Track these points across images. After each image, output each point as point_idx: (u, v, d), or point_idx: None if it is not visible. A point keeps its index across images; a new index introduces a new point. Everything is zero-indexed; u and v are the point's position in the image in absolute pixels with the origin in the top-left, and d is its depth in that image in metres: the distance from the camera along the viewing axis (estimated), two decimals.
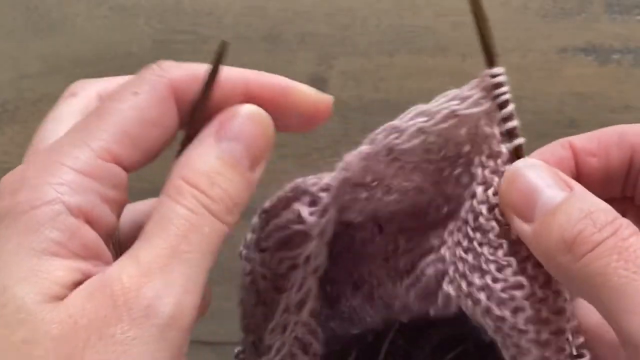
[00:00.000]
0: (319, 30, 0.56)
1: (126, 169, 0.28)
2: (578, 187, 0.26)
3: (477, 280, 0.26)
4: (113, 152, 0.27)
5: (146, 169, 0.52)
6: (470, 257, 0.27)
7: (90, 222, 0.26)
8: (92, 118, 0.28)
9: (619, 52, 0.52)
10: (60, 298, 0.24)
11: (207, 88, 0.28)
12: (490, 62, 0.28)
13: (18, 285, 0.23)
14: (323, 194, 0.30)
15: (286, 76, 0.33)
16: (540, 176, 0.27)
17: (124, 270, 0.24)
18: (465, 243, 0.27)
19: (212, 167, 0.27)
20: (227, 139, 0.28)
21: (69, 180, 0.25)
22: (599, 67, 0.53)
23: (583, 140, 0.31)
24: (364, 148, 0.29)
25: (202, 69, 0.29)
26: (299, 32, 0.56)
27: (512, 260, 0.26)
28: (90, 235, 0.26)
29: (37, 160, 0.27)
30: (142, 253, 0.25)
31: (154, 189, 0.58)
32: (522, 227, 0.26)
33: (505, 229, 0.27)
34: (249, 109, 0.28)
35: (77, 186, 0.25)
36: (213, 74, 0.28)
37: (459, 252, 0.27)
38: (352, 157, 0.29)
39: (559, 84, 0.53)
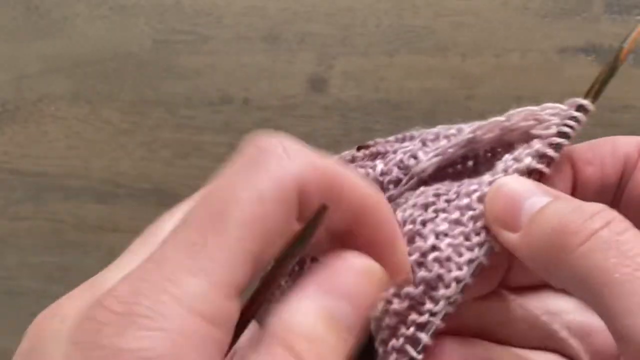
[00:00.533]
0: (319, 30, 0.56)
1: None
2: (563, 194, 0.26)
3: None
4: (237, 284, 0.21)
5: (146, 169, 0.52)
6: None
7: None
8: (209, 230, 0.21)
9: None
10: None
11: (298, 248, 0.23)
12: (593, 97, 0.29)
13: None
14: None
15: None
16: (524, 185, 0.26)
17: None
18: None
19: (312, 329, 0.22)
20: (335, 296, 0.22)
21: (188, 328, 0.20)
22: (599, 67, 0.52)
23: (580, 150, 0.30)
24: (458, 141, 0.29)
25: (324, 161, 0.23)
26: (299, 32, 0.56)
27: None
28: None
29: (145, 287, 0.20)
30: None
31: (155, 189, 0.58)
32: (509, 237, 0.25)
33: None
34: (365, 264, 0.23)
35: (197, 339, 0.20)
36: (308, 235, 0.23)
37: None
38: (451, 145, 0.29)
39: (558, 83, 0.53)
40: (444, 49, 0.54)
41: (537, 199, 0.25)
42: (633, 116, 0.51)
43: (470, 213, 0.26)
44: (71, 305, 0.21)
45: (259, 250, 0.21)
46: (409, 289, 0.25)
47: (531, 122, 0.29)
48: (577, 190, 0.28)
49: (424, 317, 0.25)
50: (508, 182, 0.27)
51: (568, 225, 0.23)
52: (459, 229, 0.26)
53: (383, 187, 0.29)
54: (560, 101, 0.52)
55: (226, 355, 0.21)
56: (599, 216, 0.23)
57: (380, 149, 0.30)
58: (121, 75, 0.58)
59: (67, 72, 0.58)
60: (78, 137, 0.58)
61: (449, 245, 0.26)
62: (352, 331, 0.23)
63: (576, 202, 0.25)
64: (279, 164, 0.22)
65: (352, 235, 0.24)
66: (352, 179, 0.24)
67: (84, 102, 0.58)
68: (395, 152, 0.29)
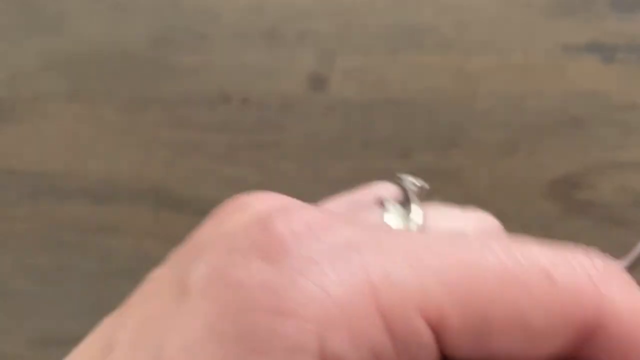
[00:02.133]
0: (320, 27, 0.55)
1: (441, 349, 0.16)
2: None
3: None
4: (445, 318, 0.15)
5: (144, 168, 0.52)
6: None
7: None
8: (463, 247, 0.16)
9: (624, 50, 0.52)
10: None
11: None
12: None
13: None
14: None
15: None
16: None
17: None
18: None
19: None
20: None
21: (356, 306, 0.15)
22: (604, 65, 0.52)
23: None
24: None
25: None
26: (299, 30, 0.55)
27: None
28: None
29: (338, 229, 0.16)
30: None
31: (153, 189, 0.58)
32: None
33: None
34: None
35: (358, 325, 0.15)
36: None
37: None
38: None
39: (562, 82, 0.52)
40: (447, 47, 0.53)
41: None
42: (638, 114, 0.51)
43: None
44: (260, 207, 0.17)
45: (493, 315, 0.15)
46: None
47: None
48: None
49: None
50: None
51: None
52: None
53: None
54: (564, 99, 0.52)
55: None
56: None
57: None
58: (119, 74, 0.57)
59: (64, 70, 0.57)
60: (75, 136, 0.58)
61: None
62: None
63: None
64: (592, 273, 0.16)
65: None
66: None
67: (81, 100, 0.57)
68: None
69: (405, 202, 0.21)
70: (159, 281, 0.18)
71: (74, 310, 0.59)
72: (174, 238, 0.26)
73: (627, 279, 0.16)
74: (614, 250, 0.29)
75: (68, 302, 0.60)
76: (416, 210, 0.21)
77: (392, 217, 0.22)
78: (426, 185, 0.22)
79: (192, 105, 0.56)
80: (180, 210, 0.56)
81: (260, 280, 0.15)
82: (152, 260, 0.22)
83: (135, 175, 0.58)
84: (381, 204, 0.21)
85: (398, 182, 0.22)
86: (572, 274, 0.16)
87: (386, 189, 0.23)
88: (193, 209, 0.56)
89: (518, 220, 0.27)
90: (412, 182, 0.22)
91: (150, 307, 0.17)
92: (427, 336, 0.15)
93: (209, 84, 0.56)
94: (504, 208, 0.26)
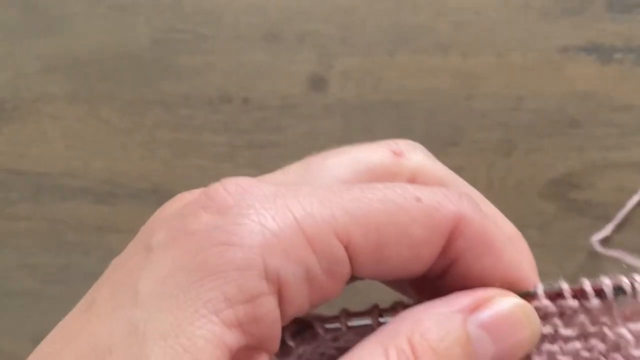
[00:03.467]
0: (319, 29, 0.56)
1: (352, 265, 0.21)
2: None
3: None
4: (352, 240, 0.21)
5: (145, 168, 0.52)
6: None
7: (280, 296, 0.20)
8: (356, 188, 0.22)
9: (621, 51, 0.52)
10: None
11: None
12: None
13: (154, 343, 0.18)
14: None
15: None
16: None
17: None
18: None
19: (449, 351, 0.21)
20: (480, 326, 0.21)
21: (286, 234, 0.20)
22: (601, 66, 0.52)
23: None
24: None
25: (493, 232, 0.23)
26: (299, 32, 0.56)
27: None
28: (271, 313, 0.20)
29: (267, 186, 0.21)
30: None
31: (154, 189, 0.58)
32: None
33: None
34: (519, 302, 0.22)
35: (291, 247, 0.20)
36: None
37: None
38: None
39: (560, 83, 0.52)
40: (445, 48, 0.54)
41: None
42: (635, 115, 0.51)
43: None
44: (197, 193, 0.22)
45: (386, 237, 0.21)
46: None
47: None
48: None
49: None
50: None
51: None
52: None
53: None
54: (562, 100, 0.52)
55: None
56: None
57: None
58: (120, 75, 0.57)
59: (66, 72, 0.58)
60: (76, 137, 0.58)
61: None
62: None
63: None
64: (447, 194, 0.22)
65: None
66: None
67: (82, 101, 0.58)
68: None
69: None
70: (126, 255, 0.22)
71: None
72: None
73: (473, 199, 0.23)
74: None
75: (70, 301, 0.60)
76: None
77: None
78: None
79: (192, 106, 0.57)
80: None
81: (211, 226, 0.20)
82: None
83: (137, 175, 0.58)
84: None
85: None
86: (435, 196, 0.22)
87: None
88: None
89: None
90: None
91: (122, 270, 0.21)
92: (341, 252, 0.21)
93: (209, 85, 0.56)
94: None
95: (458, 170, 0.27)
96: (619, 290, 0.23)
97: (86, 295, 0.21)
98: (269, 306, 0.20)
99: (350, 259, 0.21)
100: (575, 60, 0.52)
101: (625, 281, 0.23)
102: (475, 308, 0.21)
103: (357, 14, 0.55)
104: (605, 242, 0.48)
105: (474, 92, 0.53)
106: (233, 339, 0.19)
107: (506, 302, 0.22)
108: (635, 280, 0.23)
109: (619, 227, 0.49)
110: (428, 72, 0.54)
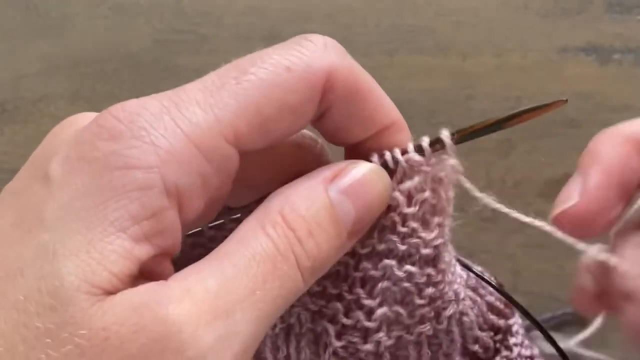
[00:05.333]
0: (319, 30, 0.56)
1: (240, 154, 0.23)
2: None
3: None
4: (238, 132, 0.22)
5: None
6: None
7: (180, 207, 0.21)
8: (230, 77, 0.23)
9: (620, 51, 0.52)
10: (105, 292, 0.20)
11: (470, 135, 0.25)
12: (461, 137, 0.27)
13: (65, 259, 0.20)
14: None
15: None
16: None
17: (187, 298, 0.20)
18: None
19: (316, 216, 0.23)
20: (340, 192, 0.24)
21: (178, 149, 0.21)
22: (600, 66, 0.52)
23: None
24: None
25: (361, 77, 0.25)
26: (299, 32, 0.56)
27: None
28: (173, 223, 0.21)
29: (152, 105, 0.22)
30: (211, 282, 0.21)
31: None
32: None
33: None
34: (370, 167, 0.24)
35: (184, 160, 0.21)
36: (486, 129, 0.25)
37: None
38: None
39: (559, 83, 0.52)
40: (444, 49, 0.54)
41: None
42: (633, 116, 0.51)
43: None
44: (88, 118, 0.23)
45: (269, 117, 0.22)
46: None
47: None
48: None
49: None
50: None
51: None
52: None
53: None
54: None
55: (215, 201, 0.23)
56: None
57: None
58: (121, 75, 0.57)
59: (67, 72, 0.58)
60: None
61: None
62: (348, 228, 0.24)
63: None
64: (314, 50, 0.24)
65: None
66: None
67: (83, 101, 0.58)
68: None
69: None
70: (22, 183, 0.22)
71: None
72: None
73: (339, 46, 0.25)
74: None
75: None
76: None
77: None
78: None
79: None
80: None
81: (108, 152, 0.21)
82: None
83: None
84: None
85: None
86: (303, 58, 0.23)
87: None
88: None
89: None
90: None
91: (22, 199, 0.21)
92: (230, 150, 0.22)
93: None
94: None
95: None
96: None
97: None
98: (171, 218, 0.21)
99: (239, 148, 0.22)
100: (574, 61, 0.52)
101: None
102: (334, 177, 0.24)
103: (357, 14, 0.55)
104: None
105: (474, 92, 0.53)
106: (141, 251, 0.21)
107: (359, 168, 0.24)
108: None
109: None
110: (428, 72, 0.54)
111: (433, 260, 0.26)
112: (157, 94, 0.22)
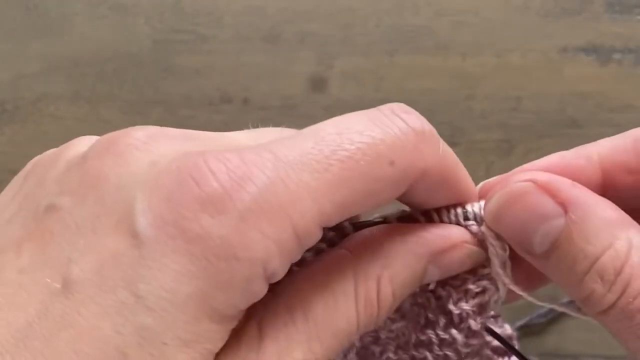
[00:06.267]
0: (319, 30, 0.56)
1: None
2: (572, 206, 0.23)
3: None
4: (331, 219, 0.21)
5: None
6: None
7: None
8: (332, 159, 0.21)
9: (620, 51, 0.52)
10: None
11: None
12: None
13: (180, 350, 0.19)
14: None
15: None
16: (535, 202, 0.24)
17: None
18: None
19: (403, 294, 0.23)
20: (438, 266, 0.24)
21: (284, 240, 0.20)
22: (600, 66, 0.52)
23: (618, 153, 0.25)
24: None
25: (452, 169, 0.24)
26: (299, 32, 0.56)
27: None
28: (260, 296, 0.21)
29: (260, 178, 0.20)
30: (297, 353, 0.21)
31: None
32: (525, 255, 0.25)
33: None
34: (473, 251, 0.24)
35: (285, 251, 0.20)
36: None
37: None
38: None
39: (559, 83, 0.52)
40: (444, 49, 0.54)
41: (548, 225, 0.23)
42: (634, 116, 0.51)
43: None
44: (162, 146, 0.21)
45: (353, 202, 0.21)
46: None
47: None
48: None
49: None
50: (519, 197, 0.24)
51: (589, 295, 0.22)
52: None
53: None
54: (561, 101, 0.52)
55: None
56: (617, 284, 0.22)
57: None
58: (121, 75, 0.57)
59: (67, 72, 0.58)
60: (77, 137, 0.58)
61: None
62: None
63: (585, 238, 0.22)
64: (415, 142, 0.22)
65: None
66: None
67: (83, 101, 0.58)
68: None
69: None
70: (83, 208, 0.20)
71: None
72: None
73: (437, 136, 0.23)
74: None
75: None
76: None
77: None
78: None
79: (193, 106, 0.57)
80: None
81: (214, 234, 0.19)
82: None
83: None
84: None
85: None
86: (406, 155, 0.22)
87: None
88: None
89: None
90: None
91: (99, 246, 0.19)
92: (320, 234, 0.21)
93: (210, 85, 0.56)
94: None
95: None
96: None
97: (49, 258, 0.20)
98: (261, 293, 0.21)
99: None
100: (575, 61, 0.53)
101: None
102: (441, 253, 0.24)
103: (357, 14, 0.55)
104: None
105: (474, 92, 0.53)
106: (231, 328, 0.21)
107: (466, 250, 0.24)
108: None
109: None
110: (427, 72, 0.54)
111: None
112: (256, 153, 0.21)
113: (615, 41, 0.52)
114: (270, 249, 0.20)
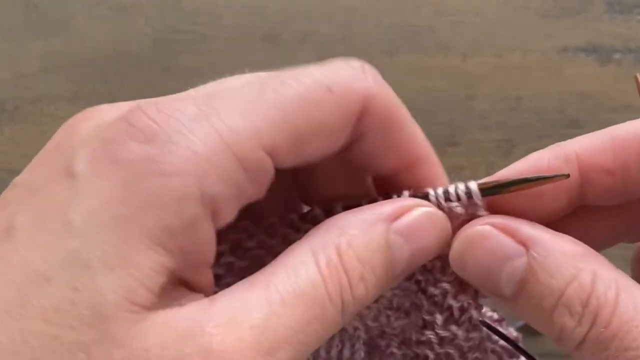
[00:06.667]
0: (319, 29, 0.56)
1: (275, 165, 0.22)
2: (533, 244, 0.23)
3: None
4: (275, 145, 0.21)
5: None
6: None
7: (214, 217, 0.20)
8: (268, 88, 0.22)
9: (620, 51, 0.52)
10: (144, 308, 0.19)
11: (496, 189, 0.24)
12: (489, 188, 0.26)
13: (103, 274, 0.19)
14: None
15: None
16: (495, 246, 0.23)
17: (231, 330, 0.20)
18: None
19: (371, 259, 0.22)
20: (400, 233, 0.23)
21: (217, 157, 0.20)
22: (600, 66, 0.52)
23: (593, 153, 0.25)
24: None
25: (397, 107, 0.24)
26: (299, 32, 0.56)
27: None
28: (208, 234, 0.20)
29: (189, 108, 0.21)
30: (257, 315, 0.20)
31: None
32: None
33: None
34: (434, 212, 0.24)
35: (222, 169, 0.20)
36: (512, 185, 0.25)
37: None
38: None
39: (559, 83, 0.52)
40: (445, 49, 0.54)
41: (511, 266, 0.23)
42: (634, 116, 0.51)
43: None
44: (110, 113, 0.21)
45: (307, 136, 0.22)
46: None
47: None
48: (590, 202, 0.24)
49: None
50: (480, 243, 0.24)
51: (560, 331, 0.22)
52: None
53: None
54: (561, 100, 0.52)
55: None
56: (586, 316, 0.22)
57: None
58: (120, 75, 0.57)
59: (66, 72, 0.58)
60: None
61: None
62: (398, 272, 0.23)
63: (549, 275, 0.22)
64: (354, 74, 0.23)
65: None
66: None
67: (83, 101, 0.58)
68: None
69: None
70: (35, 178, 0.21)
71: None
72: None
73: (377, 74, 0.24)
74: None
75: None
76: None
77: None
78: None
79: None
80: None
81: (142, 155, 0.19)
82: None
83: None
84: None
85: None
86: (344, 80, 0.22)
87: None
88: None
89: None
90: None
91: (43, 196, 0.20)
92: (267, 161, 0.21)
93: None
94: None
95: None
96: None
97: None
98: (206, 229, 0.20)
99: (274, 162, 0.22)
100: (575, 61, 0.53)
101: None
102: (396, 217, 0.23)
103: (357, 14, 0.55)
104: None
105: (474, 92, 0.53)
106: (175, 264, 0.20)
107: (424, 211, 0.23)
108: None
109: None
110: (428, 72, 0.54)
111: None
112: (190, 95, 0.21)
113: (615, 41, 0.52)
114: (202, 166, 0.20)
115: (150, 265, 0.19)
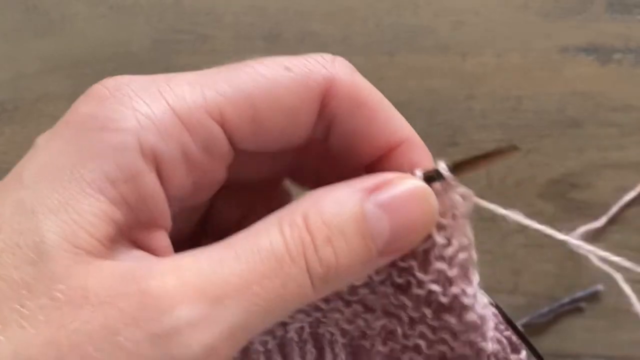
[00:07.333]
0: (319, 29, 0.56)
1: (232, 141, 0.22)
2: None
3: None
4: (225, 114, 0.22)
5: None
6: None
7: (160, 174, 0.21)
8: (225, 69, 0.23)
9: (620, 51, 0.52)
10: (89, 254, 0.20)
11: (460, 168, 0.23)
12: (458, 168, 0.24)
13: (45, 217, 0.20)
14: None
15: None
16: None
17: (173, 274, 0.20)
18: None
19: (341, 224, 0.21)
20: (378, 205, 0.22)
21: (159, 116, 0.21)
22: (600, 66, 0.52)
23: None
24: None
25: (366, 91, 0.24)
26: (299, 32, 0.56)
27: None
28: (153, 190, 0.21)
29: (143, 78, 0.23)
30: (205, 264, 0.20)
31: None
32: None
33: None
34: (419, 184, 0.23)
35: (163, 127, 0.21)
36: (480, 161, 0.24)
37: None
38: None
39: (559, 83, 0.52)
40: (445, 49, 0.54)
41: None
42: (634, 116, 0.51)
43: None
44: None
45: (261, 109, 0.22)
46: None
47: None
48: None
49: None
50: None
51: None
52: None
53: None
54: (562, 101, 0.52)
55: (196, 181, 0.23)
56: None
57: None
58: (120, 75, 0.57)
59: (66, 72, 0.58)
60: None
61: None
62: (380, 246, 0.22)
63: None
64: (318, 61, 0.23)
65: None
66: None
67: None
68: None
69: None
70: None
71: None
72: None
73: (348, 64, 0.24)
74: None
75: None
76: None
77: None
78: None
79: None
80: None
81: (88, 115, 0.22)
82: None
83: None
84: None
85: None
86: (306, 64, 0.23)
87: None
88: None
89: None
90: None
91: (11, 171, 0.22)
92: (216, 130, 0.22)
93: None
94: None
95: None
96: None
97: None
98: (151, 183, 0.21)
99: (228, 136, 0.22)
100: (575, 61, 0.52)
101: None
102: (375, 189, 0.22)
103: (357, 14, 0.55)
104: (602, 239, 0.48)
105: (474, 92, 0.53)
106: (120, 215, 0.21)
107: (406, 183, 0.22)
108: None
109: (615, 225, 0.49)
110: (428, 72, 0.54)
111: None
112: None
113: (615, 41, 0.52)
114: (142, 121, 0.21)
115: (91, 211, 0.20)
